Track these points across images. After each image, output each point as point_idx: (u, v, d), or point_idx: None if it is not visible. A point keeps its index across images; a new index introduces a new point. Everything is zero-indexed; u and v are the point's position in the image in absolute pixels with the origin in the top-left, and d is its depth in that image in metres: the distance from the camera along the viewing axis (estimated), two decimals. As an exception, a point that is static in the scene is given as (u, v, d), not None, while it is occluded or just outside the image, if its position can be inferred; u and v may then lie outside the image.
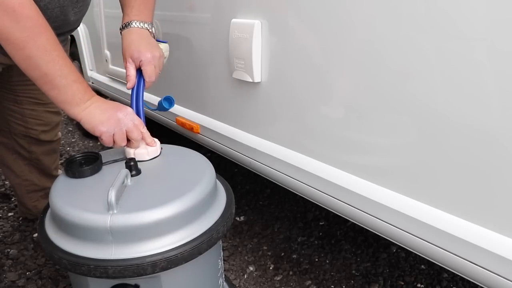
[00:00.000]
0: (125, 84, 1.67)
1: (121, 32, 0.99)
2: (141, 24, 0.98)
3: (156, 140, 0.92)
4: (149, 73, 0.95)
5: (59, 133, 1.51)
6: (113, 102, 0.89)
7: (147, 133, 0.89)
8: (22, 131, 1.38)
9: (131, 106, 0.93)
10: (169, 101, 1.02)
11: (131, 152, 0.88)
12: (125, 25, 0.98)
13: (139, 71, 0.95)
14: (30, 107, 1.35)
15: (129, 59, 0.95)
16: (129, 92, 0.96)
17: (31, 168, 1.47)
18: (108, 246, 0.69)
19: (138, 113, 0.93)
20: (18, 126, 1.37)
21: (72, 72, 0.83)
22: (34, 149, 1.43)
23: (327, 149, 0.93)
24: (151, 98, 1.63)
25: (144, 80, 0.95)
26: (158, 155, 0.91)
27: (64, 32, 1.12)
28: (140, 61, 0.94)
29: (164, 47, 1.02)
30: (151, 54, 0.94)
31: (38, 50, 0.79)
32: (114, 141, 0.86)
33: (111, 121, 0.85)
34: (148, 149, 0.88)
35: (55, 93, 0.83)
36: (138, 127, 0.87)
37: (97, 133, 0.85)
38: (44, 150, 1.46)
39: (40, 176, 1.50)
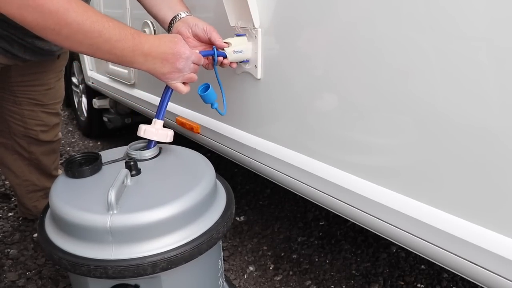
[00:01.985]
0: (125, 83, 1.67)
1: (173, 22, 1.02)
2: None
3: (170, 130, 0.93)
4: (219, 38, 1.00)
5: (60, 134, 1.51)
6: (165, 44, 0.86)
7: (202, 61, 0.93)
8: (21, 131, 1.38)
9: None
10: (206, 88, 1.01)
11: (142, 129, 0.90)
12: (181, 14, 1.02)
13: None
14: (29, 108, 1.36)
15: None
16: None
17: (31, 168, 1.47)
18: (108, 246, 0.69)
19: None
20: (18, 127, 1.37)
21: (112, 32, 0.81)
22: (34, 149, 1.43)
23: (327, 149, 0.93)
24: (150, 98, 1.63)
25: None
26: (158, 152, 0.91)
27: None
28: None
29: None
30: None
31: (71, 27, 0.77)
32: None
33: (173, 73, 0.88)
34: (158, 131, 0.90)
35: (107, 57, 0.84)
36: (198, 62, 0.91)
37: (164, 82, 0.89)
38: (43, 150, 1.46)
39: (40, 176, 1.50)
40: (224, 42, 0.97)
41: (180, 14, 1.01)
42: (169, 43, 0.87)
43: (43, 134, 1.42)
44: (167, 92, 0.94)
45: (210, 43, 0.98)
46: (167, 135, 0.91)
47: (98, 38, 0.80)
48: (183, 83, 0.92)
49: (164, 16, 1.05)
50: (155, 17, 1.08)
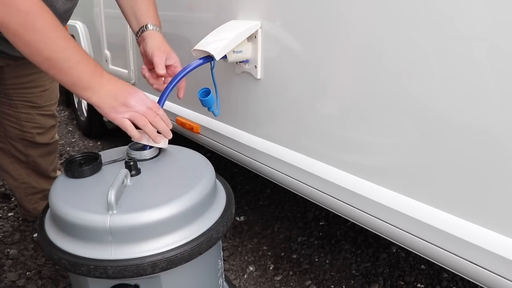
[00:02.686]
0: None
1: (140, 34, 1.01)
2: (158, 29, 1.02)
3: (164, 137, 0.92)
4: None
5: (56, 136, 1.51)
6: (125, 84, 0.85)
7: (164, 116, 0.88)
8: (17, 134, 1.38)
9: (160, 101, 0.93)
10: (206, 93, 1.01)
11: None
12: (146, 27, 1.00)
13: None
14: (25, 111, 1.35)
15: (164, 55, 0.95)
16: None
17: (29, 171, 1.46)
18: (108, 246, 0.69)
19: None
20: (14, 130, 1.37)
21: (76, 53, 0.80)
22: (31, 152, 1.43)
23: (327, 149, 0.93)
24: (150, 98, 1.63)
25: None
26: (158, 152, 0.91)
27: None
28: (173, 62, 0.96)
29: None
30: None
31: (36, 34, 0.75)
32: (134, 127, 0.84)
33: (121, 107, 0.82)
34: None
35: (61, 77, 0.80)
36: (154, 109, 0.86)
37: (109, 119, 0.83)
38: (40, 152, 1.45)
39: (38, 178, 1.49)
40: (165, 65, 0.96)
41: (146, 27, 0.99)
42: (128, 85, 0.85)
43: (40, 136, 1.41)
44: (162, 98, 0.93)
45: (152, 64, 0.96)
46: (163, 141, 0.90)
47: (59, 53, 0.77)
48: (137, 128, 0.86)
49: (132, 28, 1.04)
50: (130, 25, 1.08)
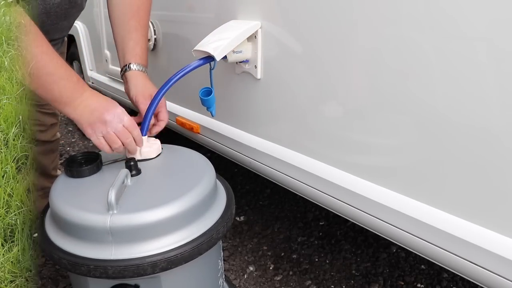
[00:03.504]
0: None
1: (123, 73, 0.99)
2: (142, 69, 0.99)
3: (157, 140, 0.92)
4: (166, 115, 0.96)
5: (58, 134, 1.51)
6: (105, 99, 0.84)
7: (138, 136, 0.86)
8: None
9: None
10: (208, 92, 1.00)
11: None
12: (128, 67, 0.98)
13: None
14: None
15: (148, 101, 0.93)
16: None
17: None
18: (108, 246, 0.69)
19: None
20: None
21: (58, 69, 0.78)
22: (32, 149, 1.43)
23: (327, 149, 0.93)
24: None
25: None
26: (156, 156, 0.91)
27: (55, 38, 1.12)
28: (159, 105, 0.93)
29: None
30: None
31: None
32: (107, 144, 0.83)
33: (97, 124, 0.81)
34: (142, 150, 0.88)
35: (42, 92, 0.79)
36: (129, 128, 0.84)
37: (86, 135, 0.81)
38: (41, 150, 1.45)
39: (39, 176, 1.49)
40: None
41: (129, 67, 0.98)
42: (107, 100, 0.83)
43: (41, 134, 1.42)
44: (150, 107, 0.92)
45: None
46: (153, 150, 0.90)
47: (42, 69, 0.76)
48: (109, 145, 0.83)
49: (119, 61, 1.02)
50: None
